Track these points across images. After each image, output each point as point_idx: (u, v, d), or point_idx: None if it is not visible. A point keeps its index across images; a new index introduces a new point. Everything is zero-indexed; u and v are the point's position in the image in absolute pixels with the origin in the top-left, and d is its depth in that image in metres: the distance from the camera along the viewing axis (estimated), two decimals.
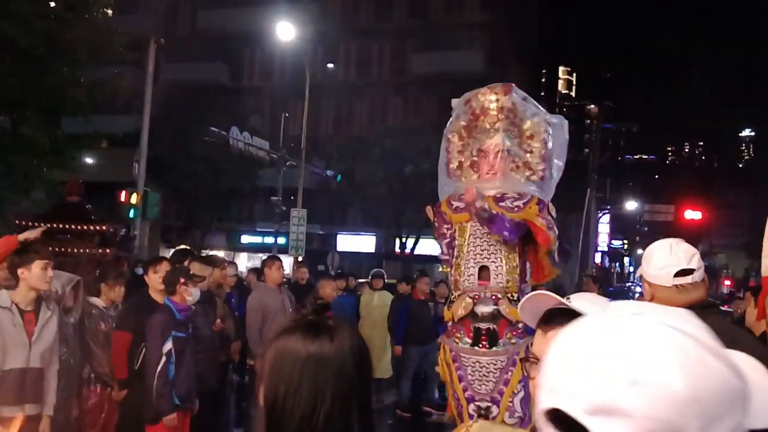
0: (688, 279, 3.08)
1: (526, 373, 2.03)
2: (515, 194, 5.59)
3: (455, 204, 5.77)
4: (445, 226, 5.86)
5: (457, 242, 5.71)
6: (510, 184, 5.67)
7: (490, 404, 5.44)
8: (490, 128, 5.77)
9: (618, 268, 68.88)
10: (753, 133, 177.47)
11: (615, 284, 56.24)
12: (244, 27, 37.61)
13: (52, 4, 16.67)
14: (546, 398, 0.98)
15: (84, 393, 6.38)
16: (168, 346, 5.73)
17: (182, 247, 8.68)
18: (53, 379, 5.22)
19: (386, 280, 13.12)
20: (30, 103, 16.61)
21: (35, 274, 4.97)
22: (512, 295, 5.45)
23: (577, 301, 2.00)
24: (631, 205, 54.21)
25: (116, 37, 17.54)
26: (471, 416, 5.44)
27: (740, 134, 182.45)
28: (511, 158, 5.73)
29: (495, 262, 5.51)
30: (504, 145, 5.70)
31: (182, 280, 5.96)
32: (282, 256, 10.84)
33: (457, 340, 5.57)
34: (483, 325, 5.44)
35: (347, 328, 1.72)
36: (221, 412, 8.80)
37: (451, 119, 6.15)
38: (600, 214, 48.72)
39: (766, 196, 71.53)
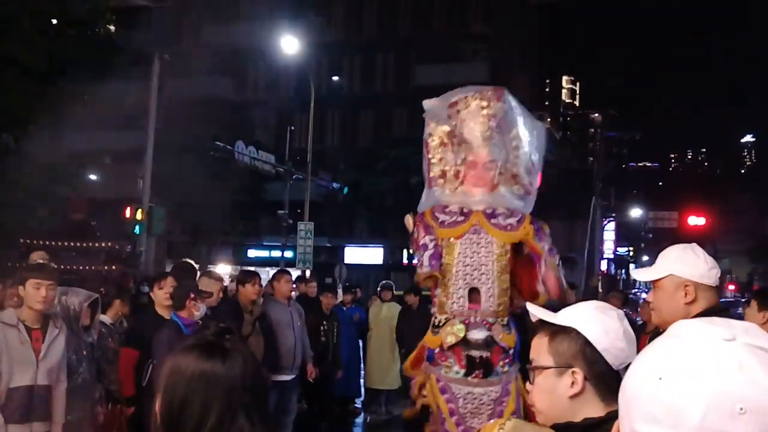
0: (718, 281, 3.19)
1: (531, 383, 1.97)
2: (506, 210, 5.23)
3: (441, 217, 5.30)
4: (429, 237, 5.28)
5: (444, 261, 5.21)
6: (500, 198, 5.29)
7: None
8: (480, 137, 5.32)
9: (624, 275, 68.64)
10: (754, 139, 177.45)
11: (621, 291, 56.05)
12: (248, 41, 37.67)
13: (54, 21, 16.69)
14: (645, 427, 1.01)
15: (96, 411, 6.34)
16: None
17: (184, 261, 8.63)
18: (62, 397, 5.18)
19: (395, 292, 13.11)
20: (33, 121, 16.62)
21: (28, 293, 4.94)
22: (503, 320, 5.08)
23: (568, 315, 1.97)
24: (635, 213, 54.13)
25: (120, 53, 17.58)
26: None
27: (742, 140, 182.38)
28: (501, 169, 5.32)
29: (486, 284, 5.06)
30: (494, 156, 5.30)
31: (191, 296, 5.95)
32: (289, 270, 10.88)
33: (446, 370, 5.10)
34: (476, 353, 5.00)
35: (243, 352, 1.87)
36: None
37: (428, 122, 5.63)
38: (605, 222, 48.64)
39: None
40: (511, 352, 5.08)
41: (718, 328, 1.04)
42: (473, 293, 5.11)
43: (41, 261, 6.47)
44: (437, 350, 5.17)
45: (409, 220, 5.54)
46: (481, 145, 5.32)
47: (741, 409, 0.94)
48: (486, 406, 4.99)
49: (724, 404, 0.95)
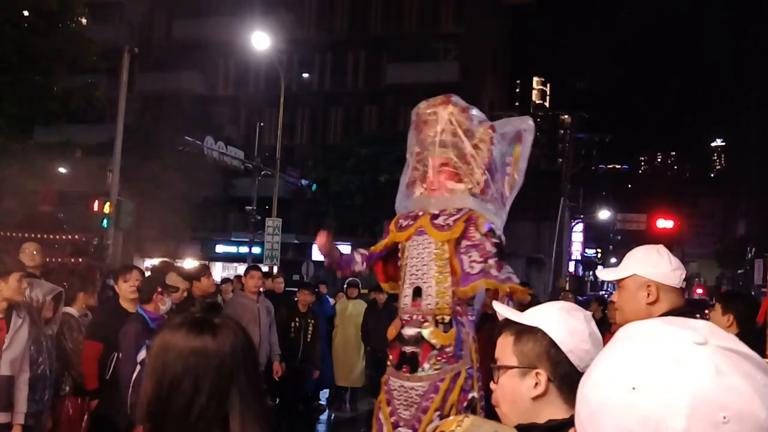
0: (683, 283, 3.18)
1: (495, 382, 1.97)
2: (454, 210, 5.33)
3: (401, 222, 5.55)
4: (383, 240, 5.69)
5: (400, 263, 5.48)
6: (452, 199, 5.40)
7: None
8: (431, 141, 5.50)
9: (592, 277, 69.14)
10: (724, 143, 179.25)
11: (589, 292, 56.49)
12: (219, 36, 37.55)
13: (26, 12, 16.55)
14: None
15: (60, 405, 6.33)
16: (142, 355, 5.69)
17: (164, 260, 8.68)
18: (24, 388, 5.19)
19: (361, 290, 13.16)
20: (2, 112, 16.47)
21: (12, 286, 5.00)
22: (443, 318, 5.17)
23: (533, 315, 1.97)
24: (604, 215, 54.61)
25: (90, 46, 17.46)
26: None
27: (712, 144, 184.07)
28: (453, 172, 5.45)
29: (426, 283, 5.23)
30: (445, 159, 5.44)
31: (159, 290, 5.97)
32: (259, 266, 10.95)
33: (389, 362, 5.36)
34: (408, 349, 5.20)
35: (232, 326, 1.81)
36: None
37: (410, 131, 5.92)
38: (573, 224, 49.12)
39: (737, 206, 72.38)
40: (448, 350, 5.13)
41: (684, 330, 1.00)
42: (418, 292, 5.30)
43: (33, 252, 6.53)
44: (390, 344, 5.40)
45: (386, 225, 5.81)
46: (433, 150, 5.49)
47: (724, 417, 0.91)
48: (413, 400, 5.13)
49: (707, 414, 0.91)
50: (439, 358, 5.13)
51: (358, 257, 5.70)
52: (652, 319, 1.09)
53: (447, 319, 5.18)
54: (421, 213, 5.44)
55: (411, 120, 5.83)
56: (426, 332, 5.14)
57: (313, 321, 11.04)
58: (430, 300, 5.20)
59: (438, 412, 5.04)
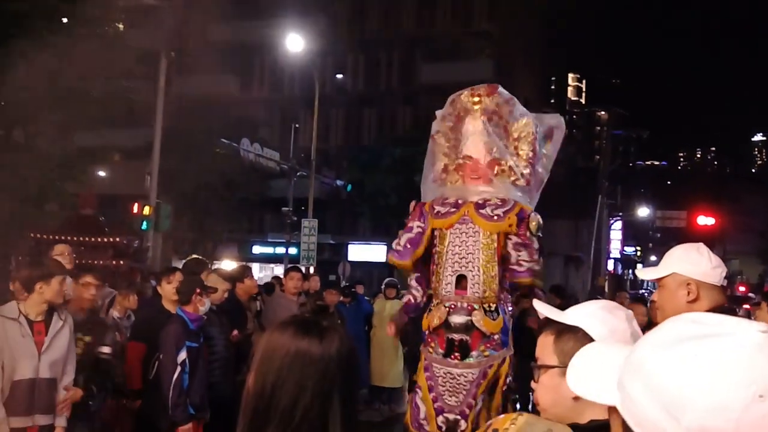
0: (724, 281, 3.17)
1: (535, 381, 1.99)
2: (498, 200, 5.38)
3: (437, 208, 5.54)
4: (418, 222, 5.61)
5: (437, 249, 5.48)
6: (495, 189, 5.45)
7: (458, 417, 5.24)
8: (474, 131, 5.53)
9: (631, 276, 68.44)
10: (765, 138, 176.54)
11: (629, 291, 56.08)
12: (253, 39, 37.74)
13: (65, 20, 16.79)
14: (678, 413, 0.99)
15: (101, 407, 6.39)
16: (182, 356, 5.76)
17: (194, 257, 8.73)
18: (68, 390, 5.22)
19: (399, 290, 13.14)
20: (43, 117, 16.73)
21: (54, 288, 5.02)
22: (490, 306, 5.25)
23: (575, 314, 1.97)
24: (643, 212, 53.94)
25: (128, 51, 17.67)
26: (440, 427, 5.25)
27: (753, 139, 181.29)
28: (497, 162, 5.49)
29: (472, 271, 5.27)
30: (488, 149, 5.49)
31: (197, 291, 6.02)
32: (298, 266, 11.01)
33: (431, 350, 5.37)
34: (456, 336, 5.23)
35: (339, 331, 1.80)
36: (235, 422, 8.82)
37: (436, 120, 5.94)
38: (612, 221, 48.56)
39: None
40: (496, 337, 5.24)
41: (748, 324, 1.01)
42: (461, 280, 5.32)
43: (59, 255, 6.52)
44: (427, 332, 5.44)
45: (412, 204, 5.84)
46: (476, 140, 5.52)
47: None
48: (462, 387, 5.20)
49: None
50: (488, 345, 5.22)
51: (417, 293, 5.76)
52: (708, 313, 1.09)
53: (493, 306, 5.26)
54: (460, 201, 5.43)
55: (447, 104, 5.83)
56: (477, 320, 5.19)
57: (339, 321, 11.04)
58: (477, 288, 5.25)
59: (482, 396, 5.17)
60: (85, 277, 5.82)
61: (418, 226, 5.61)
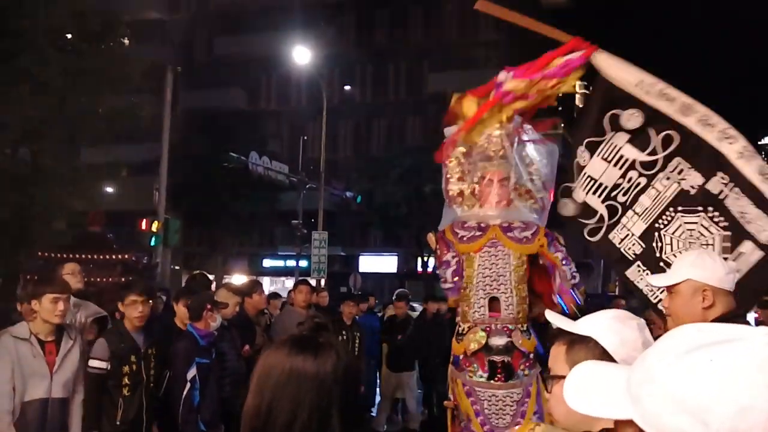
0: (735, 286, 3.15)
1: (548, 391, 1.98)
2: (521, 224, 5.44)
3: (460, 233, 5.53)
4: (450, 254, 5.60)
5: (465, 273, 5.49)
6: (515, 213, 5.48)
7: None
8: (494, 156, 5.50)
9: None
10: None
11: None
12: (260, 52, 37.87)
13: (69, 35, 16.82)
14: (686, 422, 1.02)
15: None
16: (192, 372, 5.71)
17: (198, 272, 8.66)
18: (79, 410, 5.17)
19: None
20: (49, 134, 16.74)
21: (45, 307, 4.90)
22: (522, 326, 5.33)
23: (586, 324, 1.96)
24: None
25: (133, 66, 17.70)
26: None
27: (759, 143, 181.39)
28: (515, 186, 5.52)
29: (505, 293, 5.34)
30: (508, 173, 5.48)
31: (208, 307, 5.97)
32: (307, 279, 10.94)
33: (470, 374, 5.37)
34: (497, 358, 5.28)
35: (336, 347, 1.82)
36: None
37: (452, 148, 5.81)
38: None
39: None
40: (531, 356, 5.29)
41: (754, 329, 1.05)
42: (493, 302, 5.36)
43: (69, 274, 6.36)
44: (462, 357, 5.41)
45: (431, 237, 5.81)
46: (495, 163, 5.50)
47: None
48: (509, 407, 5.24)
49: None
50: (526, 364, 5.29)
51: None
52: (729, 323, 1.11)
53: (525, 326, 5.34)
54: (483, 224, 5.47)
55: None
56: (517, 340, 5.27)
57: (359, 334, 10.86)
58: (512, 309, 5.32)
59: (536, 415, 5.20)
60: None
61: (453, 257, 5.59)
